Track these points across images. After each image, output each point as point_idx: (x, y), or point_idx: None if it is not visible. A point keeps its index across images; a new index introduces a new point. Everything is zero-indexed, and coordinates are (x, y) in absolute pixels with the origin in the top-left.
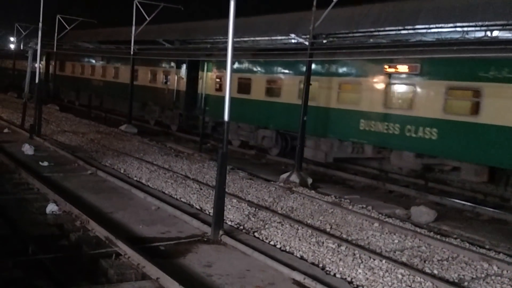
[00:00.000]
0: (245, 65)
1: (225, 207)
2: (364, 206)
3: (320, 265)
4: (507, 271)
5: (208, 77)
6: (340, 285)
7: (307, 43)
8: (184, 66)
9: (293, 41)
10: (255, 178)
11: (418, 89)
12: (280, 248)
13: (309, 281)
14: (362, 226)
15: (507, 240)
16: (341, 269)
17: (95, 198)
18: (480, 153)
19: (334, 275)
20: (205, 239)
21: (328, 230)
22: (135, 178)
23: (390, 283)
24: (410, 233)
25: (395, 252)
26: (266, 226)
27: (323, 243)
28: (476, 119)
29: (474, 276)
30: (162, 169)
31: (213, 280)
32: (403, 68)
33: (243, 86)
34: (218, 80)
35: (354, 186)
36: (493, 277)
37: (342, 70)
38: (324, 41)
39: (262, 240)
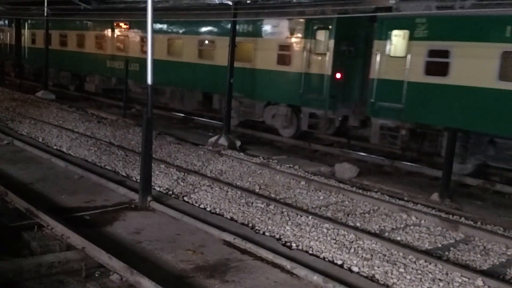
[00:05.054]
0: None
1: (153, 173)
2: (291, 165)
3: (250, 225)
4: (424, 221)
5: (27, 34)
6: (269, 242)
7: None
8: (13, 24)
9: None
10: (183, 143)
11: (131, 39)
12: (210, 211)
13: (239, 241)
14: (290, 185)
15: (424, 192)
16: (270, 227)
17: (13, 169)
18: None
19: (264, 233)
20: (133, 206)
21: (257, 190)
22: (55, 147)
23: (316, 237)
24: (334, 189)
25: (320, 208)
26: (196, 190)
27: (252, 203)
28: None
29: (394, 227)
30: (84, 137)
31: (143, 246)
32: (123, 24)
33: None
34: (33, 36)
35: (281, 147)
36: (411, 227)
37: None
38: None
39: (192, 204)
